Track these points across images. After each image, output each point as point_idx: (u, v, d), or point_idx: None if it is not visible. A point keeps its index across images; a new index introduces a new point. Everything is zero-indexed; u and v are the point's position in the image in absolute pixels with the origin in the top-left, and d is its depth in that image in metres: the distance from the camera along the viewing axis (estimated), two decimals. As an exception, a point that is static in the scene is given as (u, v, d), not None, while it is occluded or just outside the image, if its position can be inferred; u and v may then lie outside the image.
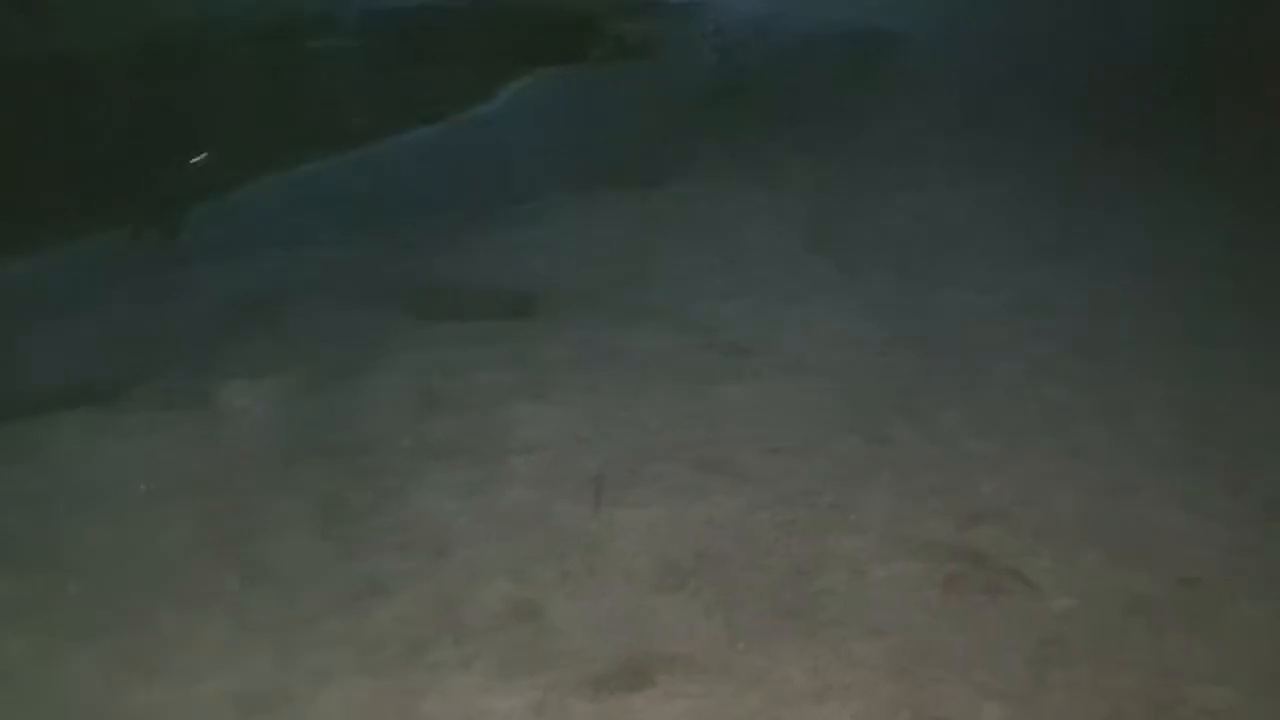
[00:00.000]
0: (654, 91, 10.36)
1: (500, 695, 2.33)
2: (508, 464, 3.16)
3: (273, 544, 2.80)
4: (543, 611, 2.58)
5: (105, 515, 2.87)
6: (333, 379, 3.66)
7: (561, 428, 3.36)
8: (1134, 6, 11.80)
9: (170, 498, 2.92)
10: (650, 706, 2.30)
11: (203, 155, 5.86)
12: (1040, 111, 7.62)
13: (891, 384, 3.68)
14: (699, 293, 4.53)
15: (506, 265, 4.91)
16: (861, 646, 2.46)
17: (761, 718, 2.28)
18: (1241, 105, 7.02)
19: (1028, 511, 2.96)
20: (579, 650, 2.45)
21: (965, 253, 4.96)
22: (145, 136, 7.62)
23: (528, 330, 4.16)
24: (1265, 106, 6.94)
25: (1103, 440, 3.31)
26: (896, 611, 2.58)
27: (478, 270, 4.83)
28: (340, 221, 5.76)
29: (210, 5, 13.04)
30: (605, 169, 6.89)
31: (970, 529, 2.88)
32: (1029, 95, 8.19)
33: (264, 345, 3.93)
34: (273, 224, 5.67)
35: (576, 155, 7.62)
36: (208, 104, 8.98)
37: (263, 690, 2.35)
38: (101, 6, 11.22)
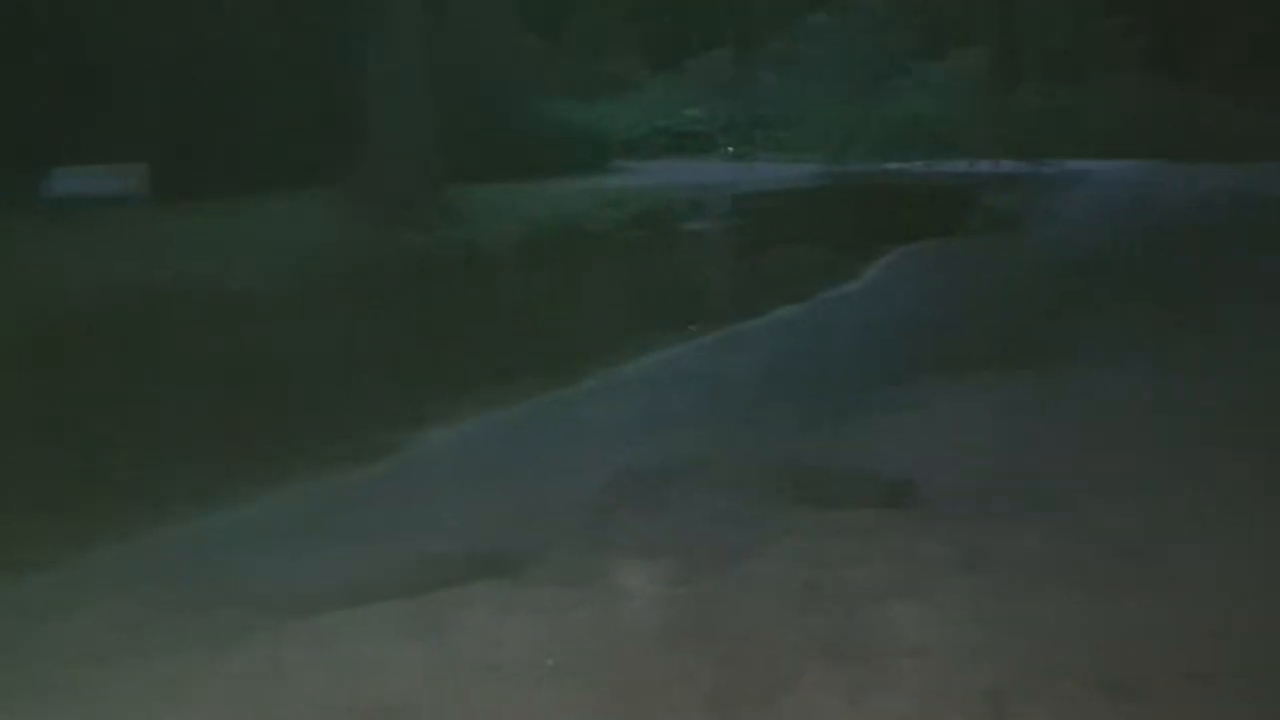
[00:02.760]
0: (1026, 266, 10.10)
1: None
2: (893, 668, 3.03)
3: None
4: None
5: (513, 689, 2.97)
6: (716, 564, 3.68)
7: (948, 633, 3.19)
8: None
9: (570, 675, 3.01)
10: None
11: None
12: None
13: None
14: (1090, 489, 4.25)
15: (881, 452, 4.82)
16: None
17: None
18: None
19: None
20: None
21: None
22: (546, 314, 8.28)
23: (906, 523, 4.03)
24: None
25: None
26: None
27: (851, 456, 4.78)
28: (713, 403, 5.91)
29: (590, 196, 14.19)
30: (978, 349, 6.72)
31: None
32: None
33: (649, 526, 4.04)
34: (649, 404, 5.90)
35: (947, 334, 7.47)
36: (581, 287, 9.66)
37: None
38: (496, 205, 12.47)
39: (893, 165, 16.72)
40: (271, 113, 13.04)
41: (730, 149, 18.63)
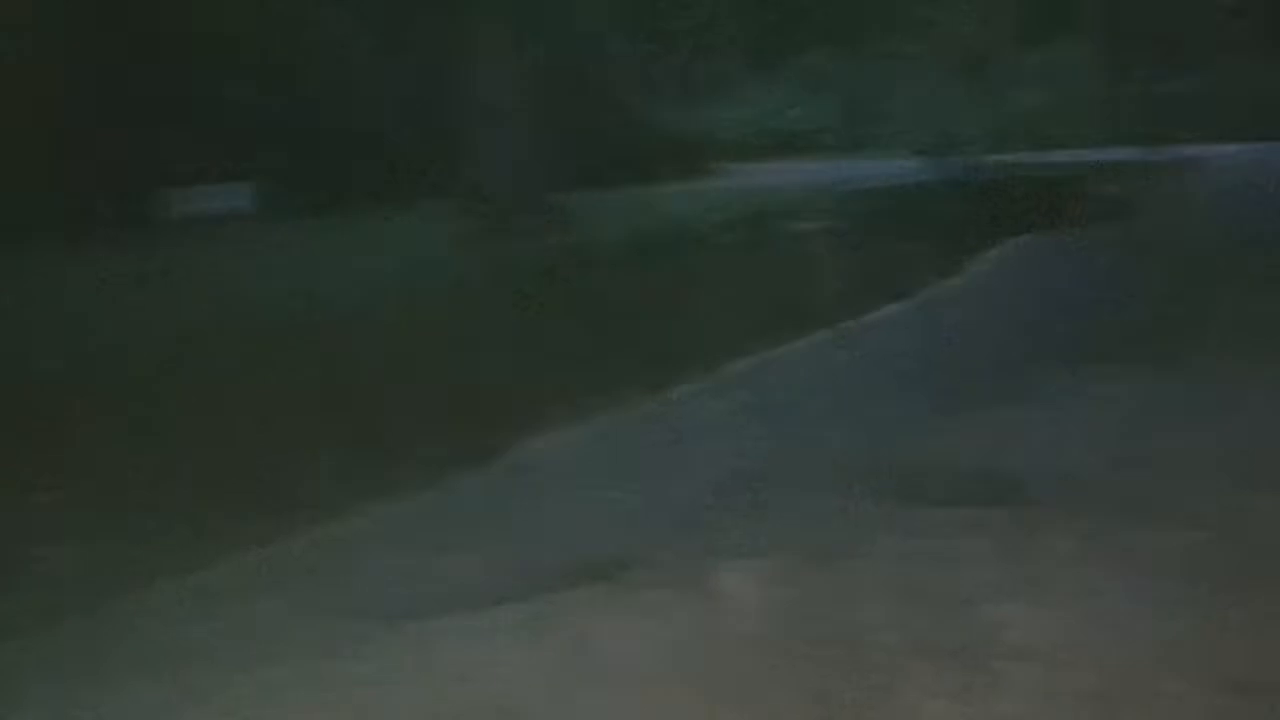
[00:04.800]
0: (1135, 258, 9.84)
1: None
2: (999, 670, 3.00)
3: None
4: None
5: (612, 693, 3.03)
6: (819, 565, 3.69)
7: (1058, 634, 3.15)
8: None
9: (672, 680, 3.05)
10: None
11: None
12: None
13: None
14: (1211, 486, 4.14)
15: (991, 448, 4.78)
16: None
17: None
18: None
19: None
20: None
21: None
22: (652, 317, 8.36)
23: (1016, 520, 3.98)
24: None
25: None
26: None
27: (960, 453, 4.75)
28: (819, 400, 5.92)
29: (695, 199, 14.26)
30: (1089, 343, 6.59)
31: None
32: None
33: (751, 527, 4.06)
34: (753, 403, 5.93)
35: (1057, 328, 7.35)
36: (690, 291, 9.71)
37: None
38: (608, 212, 12.62)
39: (998, 158, 16.43)
40: (381, 128, 13.39)
41: (834, 148, 18.53)
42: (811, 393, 6.14)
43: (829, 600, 3.48)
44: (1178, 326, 6.74)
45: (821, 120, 19.51)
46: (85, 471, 5.01)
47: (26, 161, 11.23)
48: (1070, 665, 2.99)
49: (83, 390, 6.52)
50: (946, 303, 8.55)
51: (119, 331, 8.19)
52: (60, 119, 11.70)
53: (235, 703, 3.02)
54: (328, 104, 12.95)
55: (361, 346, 7.59)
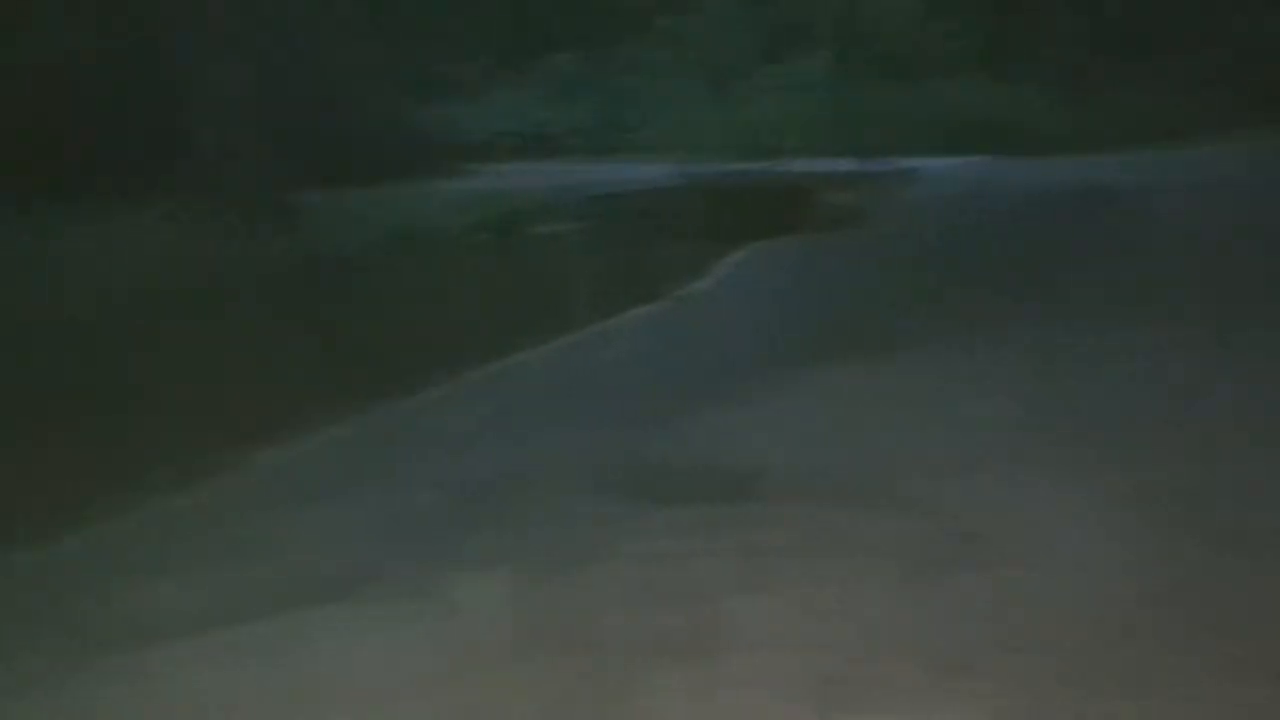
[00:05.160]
0: (867, 261, 10.40)
1: None
2: (729, 664, 3.07)
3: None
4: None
5: (344, 714, 2.92)
6: (556, 570, 3.68)
7: (784, 624, 3.26)
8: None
9: (404, 697, 2.96)
10: None
11: None
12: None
13: (1142, 572, 3.42)
14: (924, 473, 4.40)
15: (726, 446, 4.91)
16: None
17: None
18: None
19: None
20: None
21: (1198, 419, 4.68)
22: (395, 321, 8.14)
23: (748, 516, 4.11)
24: None
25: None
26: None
27: (697, 452, 4.85)
28: (560, 405, 5.93)
29: (440, 200, 14.04)
30: (821, 343, 6.88)
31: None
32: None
33: (489, 536, 4.02)
34: (498, 409, 5.88)
35: (791, 330, 7.65)
36: (429, 295, 9.53)
37: None
38: (351, 212, 12.22)
39: (739, 165, 17.02)
40: (87, 122, 12.43)
41: (580, 151, 18.71)
42: (557, 397, 6.14)
43: (568, 605, 3.47)
44: (902, 325, 7.13)
45: (570, 123, 19.65)
46: None
47: None
48: (800, 652, 3.10)
49: None
50: (693, 305, 8.75)
51: None
52: None
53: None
54: (40, 98, 11.96)
55: (69, 361, 7.03)
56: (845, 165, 16.08)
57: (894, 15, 18.23)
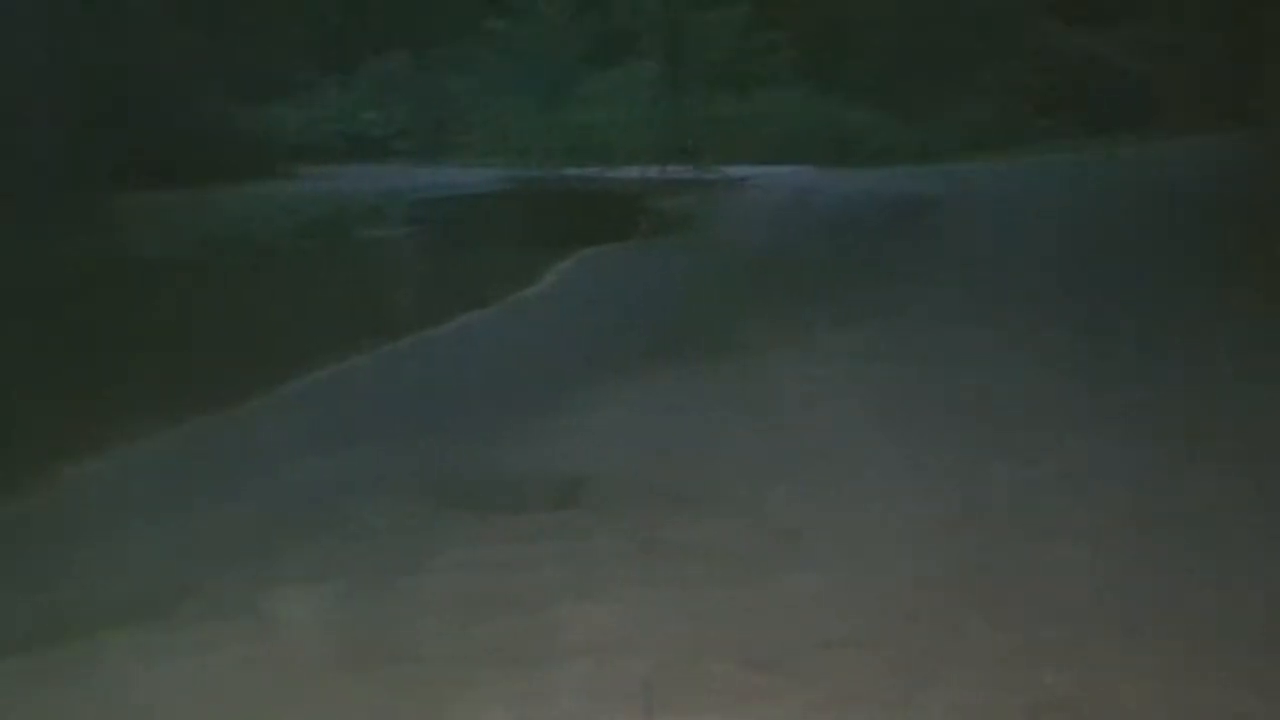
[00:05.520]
0: (697, 266, 10.60)
1: None
2: (555, 671, 3.11)
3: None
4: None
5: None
6: (381, 582, 3.65)
7: (610, 629, 3.32)
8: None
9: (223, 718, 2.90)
10: None
11: None
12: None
13: (954, 570, 3.61)
14: (750, 476, 4.54)
15: (554, 453, 4.94)
16: None
17: None
18: None
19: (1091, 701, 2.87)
20: None
21: (1019, 421, 4.96)
22: (212, 330, 7.85)
23: (575, 522, 4.15)
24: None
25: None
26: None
27: (525, 460, 4.87)
28: (385, 415, 5.84)
29: (261, 202, 13.60)
30: (650, 349, 6.98)
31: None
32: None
33: (312, 548, 3.95)
34: (318, 419, 5.75)
35: (622, 335, 7.72)
36: (247, 302, 9.21)
37: None
38: (152, 213, 11.67)
39: (570, 171, 17.08)
40: None
41: (409, 154, 18.43)
42: (382, 406, 6.06)
43: (395, 617, 3.45)
44: (726, 330, 7.29)
45: (396, 126, 19.32)
46: None
47: None
48: (621, 656, 3.15)
49: None
50: (523, 310, 8.76)
51: None
52: None
53: None
54: None
55: None
56: (674, 172, 16.31)
57: (718, 27, 18.57)
